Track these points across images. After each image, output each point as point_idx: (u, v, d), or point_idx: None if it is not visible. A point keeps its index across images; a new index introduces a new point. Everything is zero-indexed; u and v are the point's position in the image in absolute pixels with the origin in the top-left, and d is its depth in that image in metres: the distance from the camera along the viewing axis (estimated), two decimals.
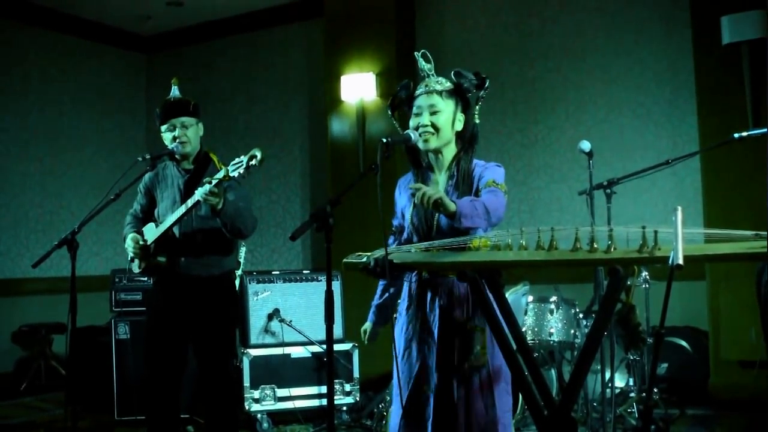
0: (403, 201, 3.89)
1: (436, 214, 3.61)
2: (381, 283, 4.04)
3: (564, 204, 8.26)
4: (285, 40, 10.22)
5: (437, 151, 3.75)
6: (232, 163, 4.39)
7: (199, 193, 4.50)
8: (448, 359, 3.60)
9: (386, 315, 4.02)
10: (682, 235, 2.73)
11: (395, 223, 3.97)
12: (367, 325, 4.09)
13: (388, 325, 4.01)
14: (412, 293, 3.76)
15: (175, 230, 4.88)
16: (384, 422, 5.92)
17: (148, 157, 4.86)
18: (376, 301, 4.07)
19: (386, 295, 4.00)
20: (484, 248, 3.19)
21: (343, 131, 8.94)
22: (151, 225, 4.97)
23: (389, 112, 3.90)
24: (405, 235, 3.83)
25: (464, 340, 3.56)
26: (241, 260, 6.73)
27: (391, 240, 3.97)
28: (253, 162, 4.31)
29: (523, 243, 3.06)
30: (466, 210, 3.26)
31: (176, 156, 4.93)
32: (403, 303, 3.82)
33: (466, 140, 3.77)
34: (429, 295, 3.70)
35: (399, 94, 3.83)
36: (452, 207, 3.22)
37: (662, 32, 7.95)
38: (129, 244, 4.96)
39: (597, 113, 8.23)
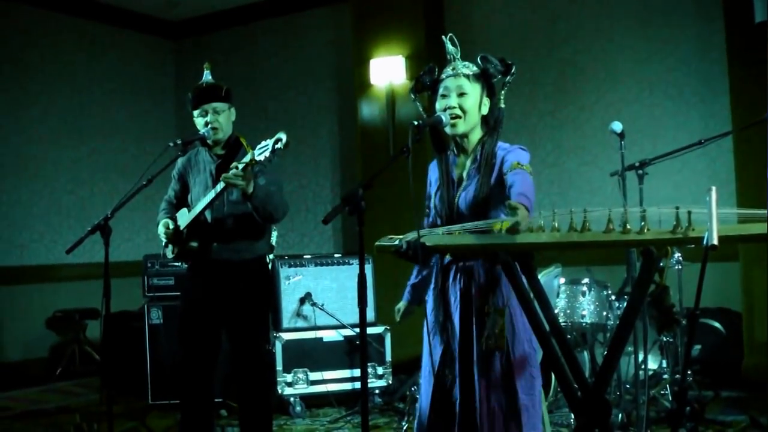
0: (433, 184, 3.90)
1: (457, 198, 3.67)
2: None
3: (595, 186, 8.21)
4: (313, 25, 10.21)
5: (463, 135, 3.76)
6: (257, 147, 4.41)
7: (228, 178, 4.52)
8: (468, 343, 3.61)
9: (421, 295, 4.03)
10: (716, 216, 2.71)
11: (427, 203, 3.98)
12: (402, 304, 4.10)
13: (420, 307, 4.03)
14: (437, 276, 3.78)
15: (207, 215, 4.90)
16: (417, 405, 5.93)
17: (179, 142, 4.87)
18: (412, 280, 4.07)
19: (422, 275, 4.01)
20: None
21: (372, 115, 8.93)
22: (184, 210, 5.00)
23: (412, 96, 3.90)
24: (430, 218, 3.84)
25: (481, 322, 3.57)
26: (274, 244, 6.75)
27: (425, 222, 3.98)
28: (279, 145, 4.32)
29: (556, 225, 3.05)
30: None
31: (208, 141, 4.95)
32: (431, 286, 3.83)
33: (491, 124, 3.77)
34: (450, 278, 3.72)
35: (423, 78, 3.83)
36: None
37: (693, 10, 7.88)
38: (160, 230, 4.99)
39: (627, 94, 8.18)
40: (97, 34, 10.33)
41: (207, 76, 5.06)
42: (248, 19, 10.59)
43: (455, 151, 3.83)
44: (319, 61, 10.18)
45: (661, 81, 8.02)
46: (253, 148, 4.46)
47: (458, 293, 3.67)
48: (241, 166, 4.44)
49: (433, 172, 3.90)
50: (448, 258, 3.72)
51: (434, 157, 3.93)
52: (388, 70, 8.69)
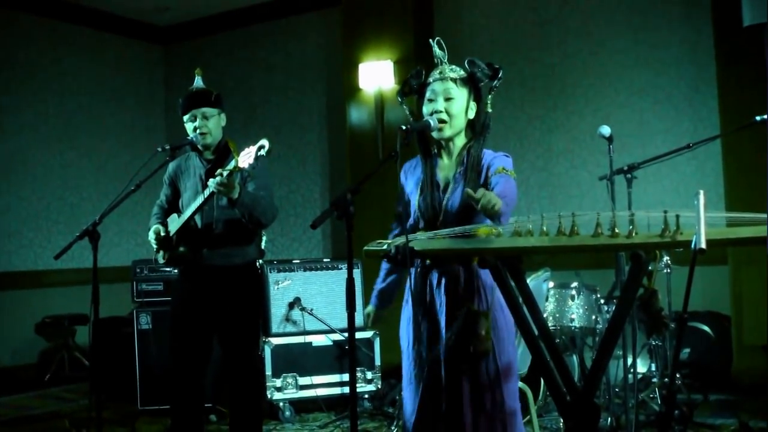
0: (410, 186, 3.89)
1: (444, 201, 3.66)
2: (384, 266, 4.05)
3: (584, 189, 8.23)
4: (303, 29, 10.21)
5: (449, 140, 3.76)
6: (241, 153, 4.40)
7: (212, 185, 4.52)
8: (455, 347, 3.61)
9: (389, 298, 4.07)
10: (704, 219, 2.72)
11: (400, 209, 3.96)
12: (371, 309, 4.11)
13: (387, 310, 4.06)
14: (417, 281, 3.76)
15: (197, 220, 4.90)
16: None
17: (168, 147, 4.87)
18: (379, 284, 4.09)
19: (390, 279, 4.03)
20: (493, 235, 3.19)
21: (361, 119, 8.93)
22: (174, 216, 5.00)
23: (399, 99, 3.90)
24: (411, 221, 3.82)
25: (468, 324, 3.57)
26: (263, 248, 6.74)
27: (393, 226, 3.98)
28: (261, 152, 4.33)
29: (544, 229, 3.05)
30: (504, 209, 3.27)
31: (198, 146, 4.94)
32: (408, 291, 3.82)
33: (478, 129, 3.78)
34: (434, 282, 3.70)
35: (410, 81, 3.83)
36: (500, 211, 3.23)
37: (682, 15, 7.90)
38: (151, 236, 4.99)
39: (617, 98, 8.20)
40: (87, 39, 10.31)
41: (198, 82, 5.06)
42: (238, 24, 10.58)
43: (439, 153, 3.83)
44: (309, 65, 10.17)
45: (649, 85, 8.05)
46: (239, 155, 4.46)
47: (443, 297, 3.66)
48: (225, 173, 4.44)
49: (411, 175, 3.90)
50: (428, 262, 3.71)
51: (409, 160, 3.95)
52: (377, 75, 8.68)
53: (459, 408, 3.58)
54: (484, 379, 3.58)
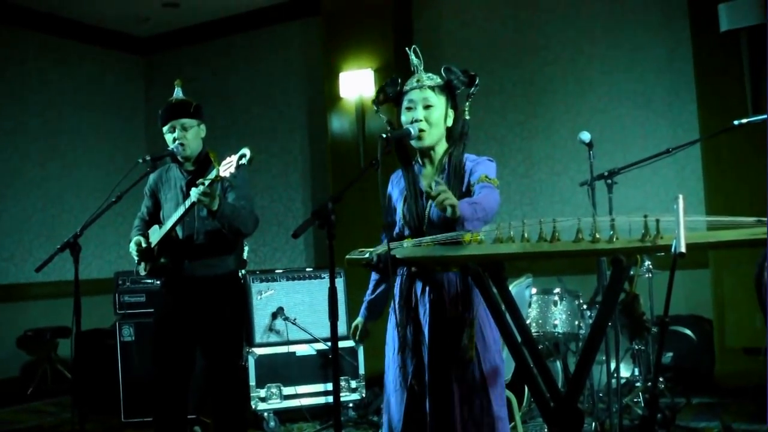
0: (395, 195, 3.88)
1: (427, 209, 3.65)
2: (373, 278, 4.04)
3: (565, 195, 8.25)
4: (283, 39, 10.22)
5: (430, 148, 3.75)
6: (222, 162, 4.39)
7: (193, 195, 4.50)
8: (439, 355, 3.61)
9: (378, 310, 4.04)
10: (684, 223, 2.73)
11: (388, 219, 3.95)
12: (359, 321, 4.06)
13: (376, 323, 4.04)
14: (402, 288, 3.75)
15: (178, 231, 4.89)
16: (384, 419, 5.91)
17: (148, 158, 4.87)
18: (368, 296, 4.05)
19: (379, 290, 4.01)
20: (475, 242, 3.19)
21: (342, 128, 8.94)
22: (156, 227, 4.99)
23: (375, 108, 3.86)
24: (396, 229, 3.81)
25: (453, 332, 3.57)
26: (245, 258, 6.73)
27: (383, 237, 3.97)
28: (243, 161, 4.31)
29: (526, 235, 3.06)
30: (468, 214, 3.26)
31: (178, 158, 4.93)
32: (395, 298, 3.81)
33: (457, 136, 3.76)
34: (418, 289, 3.70)
35: (385, 89, 3.81)
36: (458, 212, 3.21)
37: (660, 20, 7.94)
38: (132, 248, 4.97)
39: (597, 104, 8.22)
40: (67, 51, 10.28)
41: (178, 93, 5.06)
42: (218, 34, 10.58)
43: (421, 162, 3.82)
44: (289, 75, 10.18)
45: (629, 90, 8.08)
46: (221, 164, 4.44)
47: (428, 304, 3.65)
48: (207, 183, 4.43)
49: (396, 185, 3.89)
50: (414, 269, 3.70)
51: (396, 170, 3.94)
52: (357, 84, 8.69)
53: (447, 415, 3.57)
54: (470, 385, 3.57)
